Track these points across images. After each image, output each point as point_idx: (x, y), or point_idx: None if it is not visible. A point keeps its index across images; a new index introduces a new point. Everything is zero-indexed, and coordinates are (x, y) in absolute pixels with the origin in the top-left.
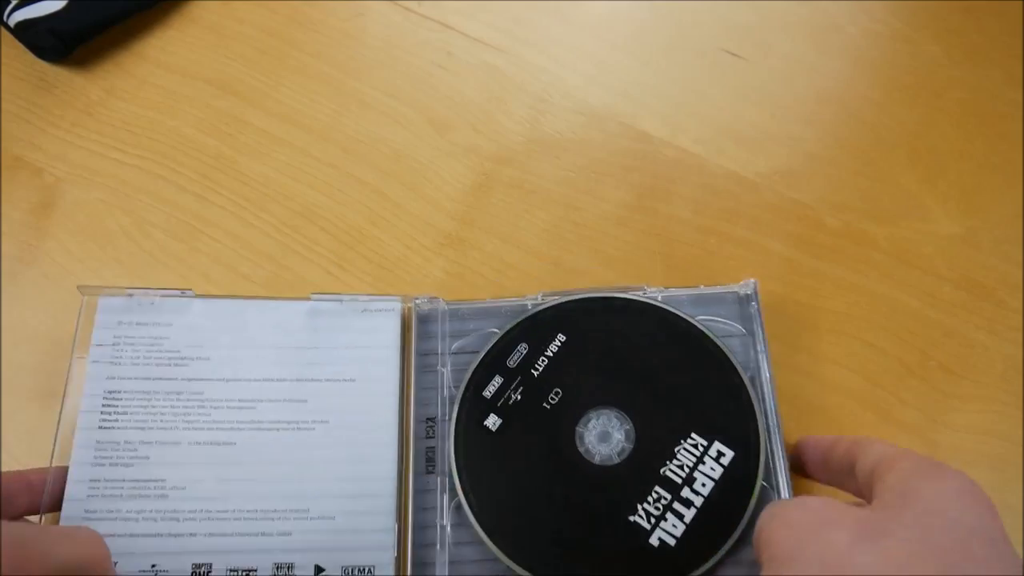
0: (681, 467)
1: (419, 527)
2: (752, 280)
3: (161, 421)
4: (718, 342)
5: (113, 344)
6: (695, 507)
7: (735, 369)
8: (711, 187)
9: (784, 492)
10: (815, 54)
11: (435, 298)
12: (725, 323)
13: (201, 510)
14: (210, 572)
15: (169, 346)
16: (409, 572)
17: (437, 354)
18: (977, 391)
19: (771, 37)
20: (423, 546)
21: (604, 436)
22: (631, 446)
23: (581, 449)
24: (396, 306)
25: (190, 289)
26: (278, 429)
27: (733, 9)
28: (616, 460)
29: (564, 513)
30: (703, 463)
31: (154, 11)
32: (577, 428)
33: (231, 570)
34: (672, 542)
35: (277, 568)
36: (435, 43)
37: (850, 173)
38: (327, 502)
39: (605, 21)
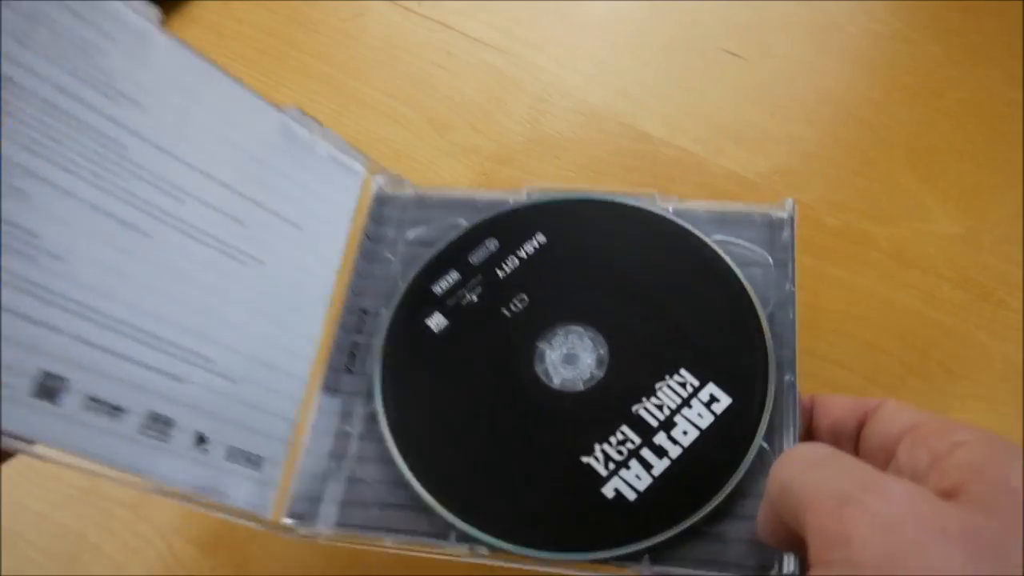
0: (660, 407)
1: (321, 432)
2: (790, 200)
3: (59, 153)
4: (735, 268)
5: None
6: (669, 458)
7: (751, 303)
8: (711, 187)
9: None
10: (815, 54)
11: (403, 179)
12: (748, 248)
13: (76, 300)
14: (62, 390)
15: (104, 64)
16: (294, 482)
17: (389, 240)
18: (977, 391)
19: (771, 37)
20: (320, 454)
21: (571, 357)
22: (601, 374)
23: (540, 369)
24: (360, 169)
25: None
26: (206, 244)
27: (733, 9)
28: (580, 388)
29: (501, 442)
30: (689, 407)
31: None
32: (539, 344)
33: (92, 398)
34: (631, 496)
35: (152, 418)
36: (435, 43)
37: (850, 173)
38: (235, 359)
39: (605, 21)
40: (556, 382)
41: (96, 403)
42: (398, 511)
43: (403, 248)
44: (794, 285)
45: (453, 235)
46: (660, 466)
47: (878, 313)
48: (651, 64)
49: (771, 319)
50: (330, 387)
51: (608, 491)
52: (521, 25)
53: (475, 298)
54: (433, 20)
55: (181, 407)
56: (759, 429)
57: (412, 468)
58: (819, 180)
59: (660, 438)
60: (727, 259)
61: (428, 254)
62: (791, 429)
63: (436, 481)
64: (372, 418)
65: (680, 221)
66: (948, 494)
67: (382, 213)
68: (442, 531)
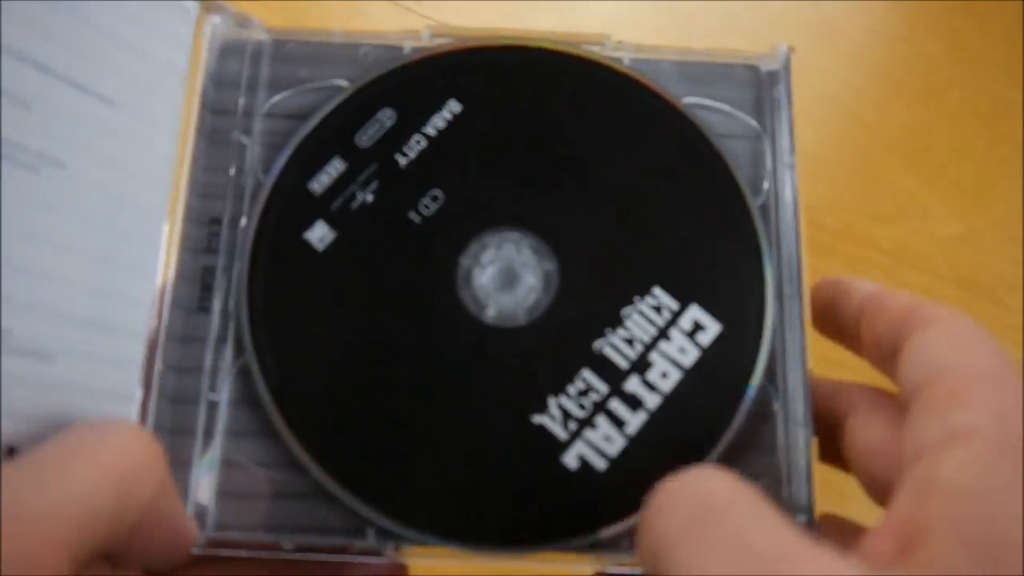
0: (630, 342)
1: (173, 400)
2: (783, 47)
3: None
4: (715, 143)
5: None
6: (646, 410)
7: (738, 189)
8: None
9: (798, 405)
10: (815, 54)
11: (249, 19)
12: (729, 112)
13: None
14: None
15: None
16: None
17: (237, 113)
18: None
19: (771, 37)
20: (175, 432)
21: (507, 277)
22: (550, 299)
23: (465, 295)
24: (191, 5)
25: None
26: None
27: (733, 9)
28: (522, 320)
29: (423, 402)
30: (667, 339)
31: None
32: (462, 259)
33: None
34: (600, 465)
35: None
36: None
37: (850, 173)
38: (43, 325)
39: (605, 21)
40: (491, 316)
41: None
42: (294, 502)
43: (261, 124)
44: (793, 159)
45: (330, 104)
46: (635, 422)
47: None
48: None
49: (763, 211)
50: (177, 336)
51: (570, 460)
52: (521, 25)
53: (370, 198)
54: (433, 20)
55: None
56: (758, 362)
57: (305, 442)
58: (819, 180)
59: (633, 384)
60: (705, 130)
61: (297, 133)
62: (798, 360)
63: (341, 460)
64: (245, 374)
65: (640, 77)
66: (911, 540)
67: (225, 71)
68: (356, 526)
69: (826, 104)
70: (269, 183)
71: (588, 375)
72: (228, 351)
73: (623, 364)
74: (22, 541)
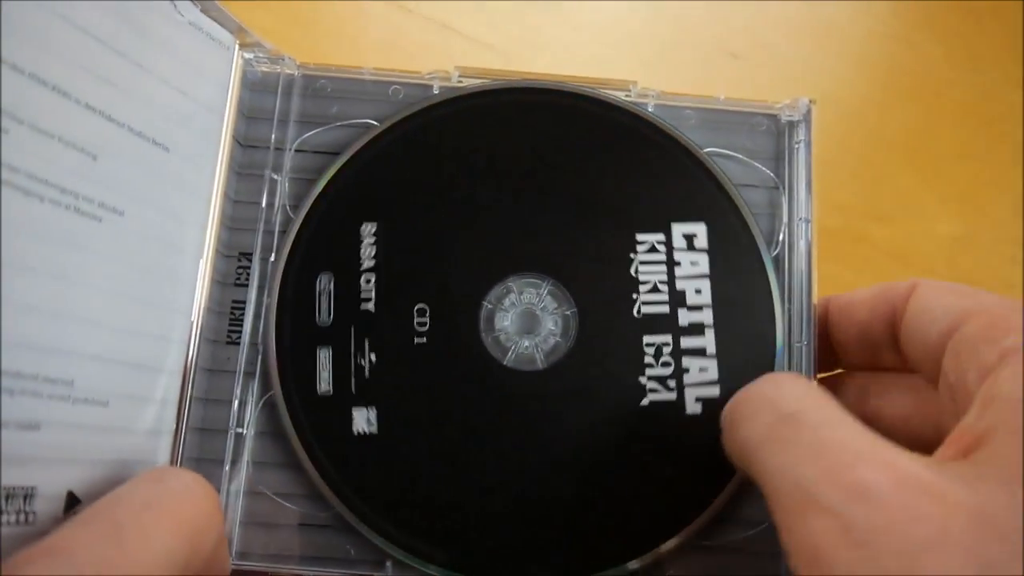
0: (654, 289)
1: (201, 431)
2: (805, 100)
3: None
4: (734, 193)
5: None
6: (709, 327)
7: (753, 242)
8: None
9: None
10: (815, 54)
11: (281, 55)
12: (747, 162)
13: None
14: None
15: None
16: None
17: (270, 148)
18: None
19: (771, 37)
20: (202, 461)
21: (528, 321)
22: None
23: (487, 339)
24: (228, 39)
25: None
26: (41, 198)
27: (733, 9)
28: (541, 364)
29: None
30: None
31: None
32: (485, 302)
33: None
34: (716, 393)
35: (4, 498)
36: (435, 44)
37: (850, 173)
38: (101, 371)
39: (605, 21)
40: (512, 358)
41: None
42: (316, 534)
43: (291, 160)
44: (810, 211)
45: (360, 142)
46: (710, 340)
47: None
48: (651, 64)
49: (776, 262)
50: (207, 368)
51: (691, 406)
52: (521, 26)
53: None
54: (433, 21)
55: (40, 466)
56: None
57: (327, 476)
58: (819, 180)
59: (683, 315)
60: (724, 180)
61: (328, 169)
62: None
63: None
64: (271, 408)
65: (663, 123)
66: (974, 445)
67: (257, 106)
68: (376, 559)
69: (826, 104)
70: (299, 219)
71: (648, 339)
72: (255, 384)
73: (664, 309)
74: None
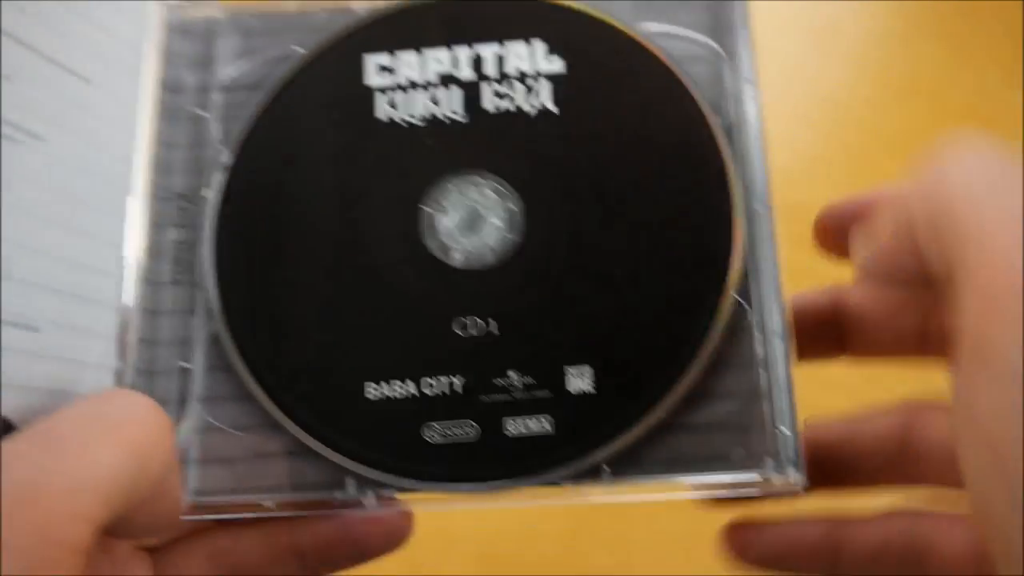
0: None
1: (148, 372)
2: None
3: None
4: (675, 68)
5: None
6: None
7: (701, 114)
8: None
9: (773, 317)
10: (815, 54)
11: None
12: (689, 37)
13: None
14: None
15: None
16: None
17: (197, 89)
18: None
19: (771, 37)
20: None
21: (472, 220)
22: (517, 239)
23: (430, 241)
24: None
25: None
26: None
27: None
28: (492, 260)
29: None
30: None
31: None
32: (423, 206)
33: None
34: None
35: None
36: None
37: (850, 173)
38: (29, 296)
39: None
40: (457, 257)
41: None
42: (274, 462)
43: (219, 97)
44: (753, 75)
45: (286, 69)
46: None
47: None
48: None
49: (729, 133)
50: (149, 309)
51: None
52: None
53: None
54: None
55: None
56: (728, 279)
57: (280, 402)
58: (819, 180)
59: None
60: (663, 57)
61: (253, 102)
62: (771, 274)
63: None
64: (216, 341)
65: (593, 9)
66: None
67: (181, 50)
68: (336, 479)
69: (826, 104)
70: (231, 155)
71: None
72: (200, 320)
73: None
74: (49, 515)
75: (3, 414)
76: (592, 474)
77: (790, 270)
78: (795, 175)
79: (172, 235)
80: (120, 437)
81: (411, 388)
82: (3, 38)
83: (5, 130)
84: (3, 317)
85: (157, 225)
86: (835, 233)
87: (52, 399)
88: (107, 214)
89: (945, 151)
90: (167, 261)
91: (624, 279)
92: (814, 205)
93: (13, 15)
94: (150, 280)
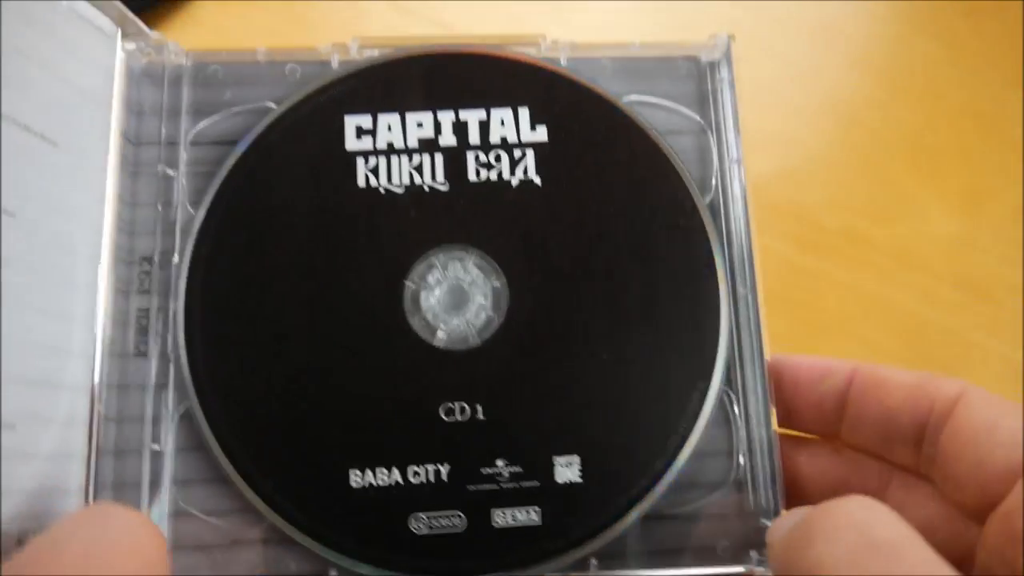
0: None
1: (115, 453)
2: (724, 36)
3: None
4: (660, 142)
5: None
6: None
7: (685, 189)
8: None
9: (758, 405)
10: (815, 54)
11: (164, 42)
12: (673, 108)
13: None
14: None
15: None
16: None
17: (160, 143)
18: None
19: (771, 37)
20: (119, 487)
21: (457, 297)
22: (500, 320)
23: (414, 320)
24: (110, 28)
25: None
26: None
27: (733, 9)
28: (476, 341)
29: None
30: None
31: (153, 11)
32: (407, 282)
33: None
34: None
35: None
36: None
37: (849, 173)
38: (5, 391)
39: (605, 22)
40: (441, 336)
41: None
42: (251, 550)
43: (187, 154)
44: (739, 153)
45: (262, 126)
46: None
47: (876, 313)
48: None
49: (712, 209)
50: (115, 384)
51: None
52: (521, 26)
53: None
54: (433, 21)
55: None
56: (715, 367)
57: (258, 488)
58: (819, 181)
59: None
60: (648, 130)
61: (226, 161)
62: (757, 358)
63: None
64: (188, 421)
65: (578, 76)
66: None
67: (145, 99)
68: (317, 570)
69: (826, 104)
70: (200, 216)
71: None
72: (169, 397)
73: None
74: None
75: None
76: (579, 567)
77: (791, 270)
78: (795, 175)
79: (136, 302)
80: (126, 567)
81: (396, 476)
82: None
83: None
84: None
85: (121, 292)
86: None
87: (29, 500)
88: (78, 289)
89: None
90: (133, 331)
91: (610, 365)
92: (814, 205)
93: None
94: (114, 352)
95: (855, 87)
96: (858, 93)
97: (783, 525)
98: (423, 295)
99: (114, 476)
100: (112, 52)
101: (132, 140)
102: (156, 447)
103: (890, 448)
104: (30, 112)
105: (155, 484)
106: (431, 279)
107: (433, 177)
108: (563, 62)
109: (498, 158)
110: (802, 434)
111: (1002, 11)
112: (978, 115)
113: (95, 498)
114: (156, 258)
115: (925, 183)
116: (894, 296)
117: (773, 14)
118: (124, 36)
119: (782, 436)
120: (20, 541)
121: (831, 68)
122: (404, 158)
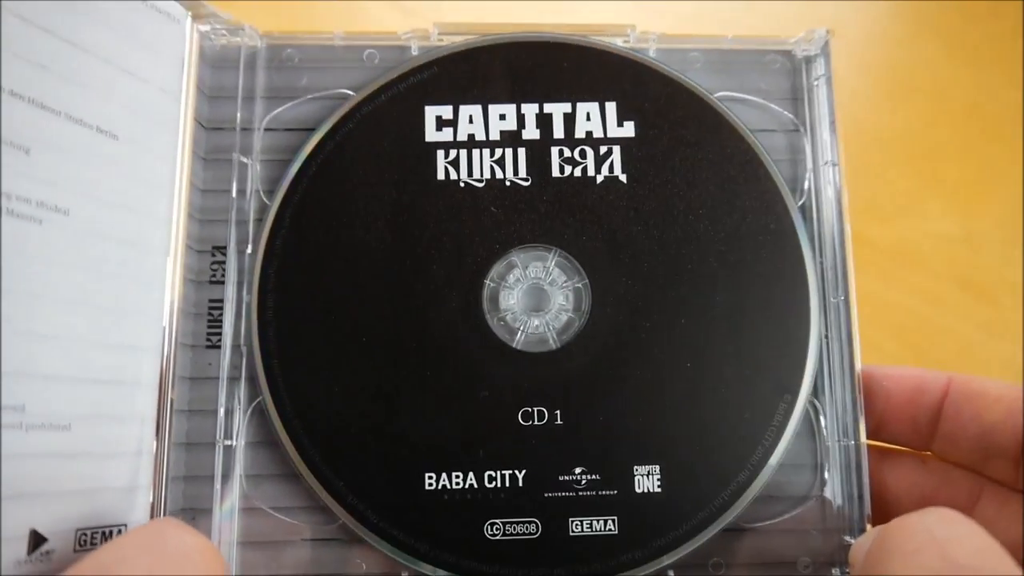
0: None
1: (186, 446)
2: (822, 30)
3: None
4: (751, 140)
5: None
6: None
7: (776, 189)
8: None
9: (847, 417)
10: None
11: (241, 25)
12: (762, 104)
13: None
14: None
15: None
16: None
17: (236, 129)
18: None
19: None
20: (190, 480)
21: (537, 298)
22: (582, 324)
23: (492, 319)
24: (179, 11)
25: None
26: None
27: (733, 9)
28: (553, 344)
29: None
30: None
31: None
32: (487, 280)
33: None
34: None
35: None
36: None
37: (850, 173)
38: (59, 391)
39: (605, 22)
40: (522, 340)
41: None
42: (320, 548)
43: (261, 141)
44: (836, 154)
45: (339, 113)
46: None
47: (876, 312)
48: None
49: (803, 211)
50: (187, 376)
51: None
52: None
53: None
54: (433, 21)
55: None
56: (803, 378)
57: (329, 486)
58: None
59: None
60: (739, 127)
61: (302, 148)
62: (845, 376)
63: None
64: (261, 414)
65: (667, 68)
66: None
67: (219, 83)
68: (388, 571)
69: None
70: (275, 204)
71: None
72: (241, 390)
73: None
74: None
75: (33, 526)
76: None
77: None
78: None
79: (209, 293)
80: None
81: (472, 480)
82: (12, 101)
83: (25, 210)
84: (28, 420)
85: (193, 282)
86: None
87: (86, 501)
88: (142, 284)
89: None
90: (204, 323)
91: (694, 373)
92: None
93: (25, 71)
94: (185, 344)
95: (855, 87)
96: (858, 93)
97: (865, 543)
98: (502, 294)
99: (185, 470)
100: (180, 37)
101: (205, 125)
102: (229, 442)
103: (986, 463)
104: (84, 105)
105: (226, 478)
106: (511, 278)
107: (515, 172)
108: (652, 54)
109: (583, 154)
110: (889, 446)
111: (1002, 11)
112: (979, 115)
113: (166, 493)
114: (230, 247)
115: (925, 183)
116: (893, 295)
117: (773, 15)
118: (195, 18)
119: (868, 448)
120: (82, 541)
121: (831, 68)
122: (485, 151)
